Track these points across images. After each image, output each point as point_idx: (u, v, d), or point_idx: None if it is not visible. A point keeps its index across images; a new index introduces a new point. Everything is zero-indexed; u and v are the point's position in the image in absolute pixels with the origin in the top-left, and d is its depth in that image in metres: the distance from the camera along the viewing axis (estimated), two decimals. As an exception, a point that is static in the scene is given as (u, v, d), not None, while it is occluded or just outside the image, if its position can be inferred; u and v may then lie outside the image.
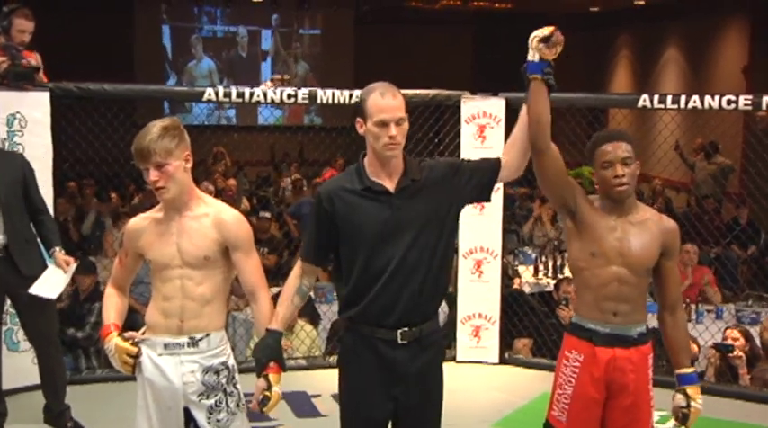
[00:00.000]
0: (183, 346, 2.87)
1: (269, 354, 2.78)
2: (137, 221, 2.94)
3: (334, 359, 5.38)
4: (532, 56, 2.80)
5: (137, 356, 2.87)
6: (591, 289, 2.92)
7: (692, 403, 2.90)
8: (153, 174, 2.76)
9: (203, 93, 5.29)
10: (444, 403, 2.88)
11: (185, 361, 2.87)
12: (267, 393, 2.75)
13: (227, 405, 2.92)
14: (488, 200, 2.90)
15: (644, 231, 2.91)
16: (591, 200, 2.98)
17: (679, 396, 2.93)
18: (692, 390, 2.92)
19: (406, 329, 2.72)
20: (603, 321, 2.91)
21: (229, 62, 16.85)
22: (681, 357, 2.97)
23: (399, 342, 2.72)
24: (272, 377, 2.76)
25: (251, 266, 2.90)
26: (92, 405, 4.76)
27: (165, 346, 2.88)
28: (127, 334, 2.91)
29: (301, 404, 4.86)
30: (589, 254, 2.91)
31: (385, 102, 2.66)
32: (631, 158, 2.89)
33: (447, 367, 2.91)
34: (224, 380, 2.92)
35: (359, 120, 2.72)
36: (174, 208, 2.87)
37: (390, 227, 2.69)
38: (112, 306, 3.00)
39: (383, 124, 2.65)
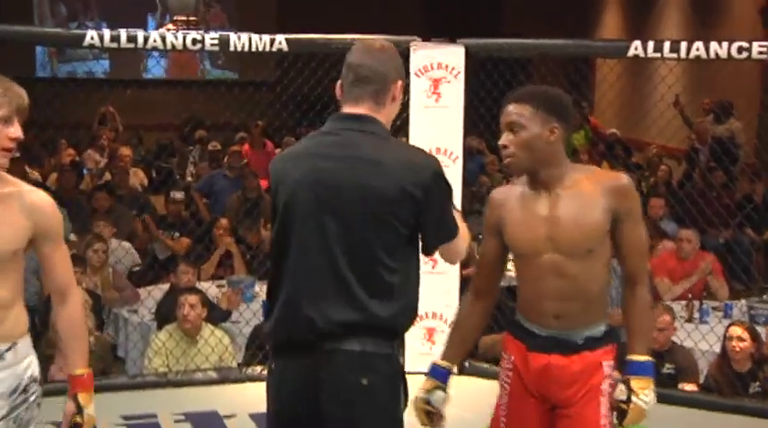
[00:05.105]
0: None
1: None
2: None
3: (252, 370, 5.41)
4: None
5: None
6: (527, 282, 3.07)
7: (634, 398, 2.95)
8: None
9: (83, 36, 5.21)
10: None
11: None
12: (78, 419, 2.78)
13: None
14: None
15: (576, 201, 2.98)
16: (509, 191, 3.12)
17: (621, 388, 2.99)
18: (638, 383, 2.97)
19: None
20: (542, 325, 3.03)
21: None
22: (634, 341, 3.04)
23: None
24: (81, 396, 2.79)
25: (63, 260, 2.99)
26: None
27: None
28: None
29: (211, 427, 4.88)
30: (520, 241, 3.06)
31: None
32: (519, 124, 2.96)
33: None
34: (32, 398, 2.93)
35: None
36: None
37: None
38: None
39: None
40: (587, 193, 2.98)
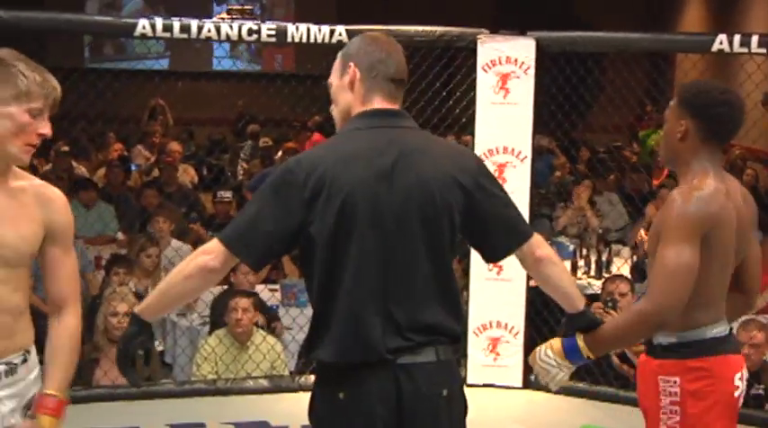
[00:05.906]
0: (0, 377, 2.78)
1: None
2: None
3: (305, 379, 5.43)
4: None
5: None
6: None
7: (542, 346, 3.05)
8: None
9: (135, 25, 5.27)
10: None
11: (3, 398, 2.78)
12: None
13: None
14: None
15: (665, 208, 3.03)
16: None
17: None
18: (554, 342, 3.02)
19: None
20: None
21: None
22: (602, 327, 2.99)
23: None
24: (44, 420, 2.73)
25: (70, 268, 2.88)
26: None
27: None
28: None
29: (262, 438, 4.91)
30: None
31: None
32: (665, 116, 3.05)
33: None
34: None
35: None
36: None
37: None
38: None
39: None
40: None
